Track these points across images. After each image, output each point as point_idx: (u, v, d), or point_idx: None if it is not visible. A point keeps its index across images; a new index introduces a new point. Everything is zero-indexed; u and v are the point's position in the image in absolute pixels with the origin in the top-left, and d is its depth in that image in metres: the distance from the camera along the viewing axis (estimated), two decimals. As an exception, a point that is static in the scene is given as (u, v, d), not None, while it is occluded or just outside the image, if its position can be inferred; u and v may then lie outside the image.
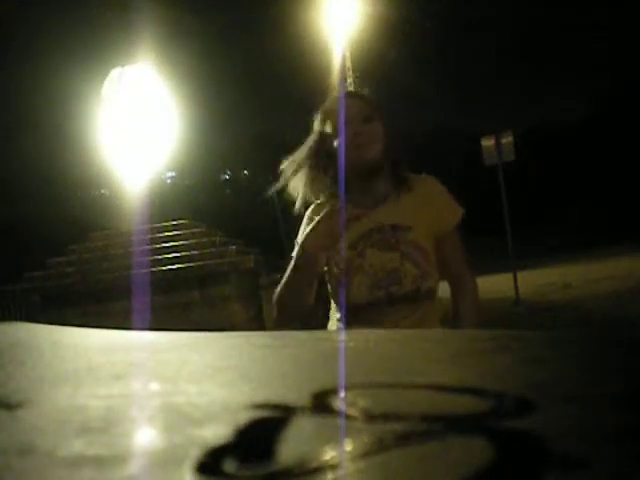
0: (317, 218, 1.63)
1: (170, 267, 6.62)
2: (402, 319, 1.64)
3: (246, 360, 0.76)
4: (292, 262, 1.69)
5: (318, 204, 1.79)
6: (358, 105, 1.72)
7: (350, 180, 1.70)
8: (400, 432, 0.38)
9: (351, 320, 1.67)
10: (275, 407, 0.46)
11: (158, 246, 6.94)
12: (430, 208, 1.72)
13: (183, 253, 6.85)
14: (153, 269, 6.45)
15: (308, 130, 1.84)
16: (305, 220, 1.77)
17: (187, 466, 0.35)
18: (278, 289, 1.72)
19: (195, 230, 7.54)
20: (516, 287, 9.70)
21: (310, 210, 1.79)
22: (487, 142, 10.18)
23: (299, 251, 1.67)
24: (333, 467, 0.34)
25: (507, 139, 10.06)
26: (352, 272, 1.68)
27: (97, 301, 6.61)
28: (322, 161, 1.74)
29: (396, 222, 1.69)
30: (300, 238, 1.70)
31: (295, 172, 1.78)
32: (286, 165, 1.79)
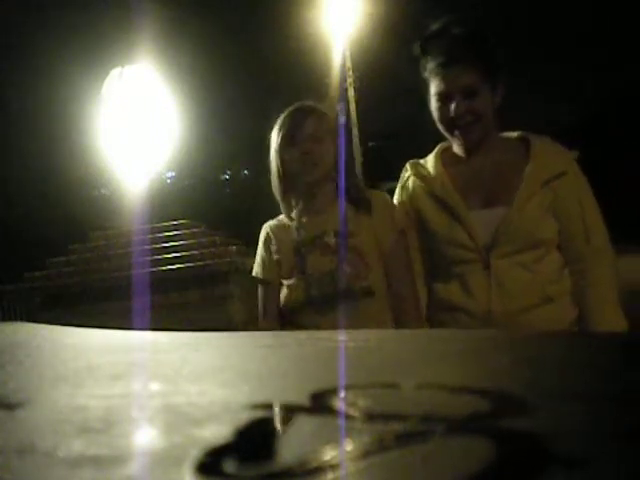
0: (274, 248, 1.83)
1: (170, 267, 6.62)
2: (341, 318, 1.70)
3: (246, 360, 0.76)
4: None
5: (271, 227, 1.88)
6: (312, 125, 1.78)
7: (299, 189, 1.81)
8: (400, 432, 0.38)
9: (290, 322, 1.77)
10: (275, 407, 0.46)
11: (158, 246, 6.93)
12: (372, 219, 1.79)
13: (183, 253, 6.85)
14: (153, 269, 6.45)
15: None
16: (264, 245, 1.86)
17: (187, 466, 0.35)
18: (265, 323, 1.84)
19: (195, 230, 7.53)
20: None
21: (266, 233, 1.87)
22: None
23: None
24: (333, 467, 0.34)
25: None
26: (294, 276, 1.78)
27: (97, 301, 6.60)
28: (285, 181, 1.83)
29: (338, 228, 1.77)
30: (262, 268, 1.86)
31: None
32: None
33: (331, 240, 1.76)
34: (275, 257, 1.82)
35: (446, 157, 1.80)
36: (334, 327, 1.67)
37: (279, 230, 1.84)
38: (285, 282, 1.79)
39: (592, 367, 0.58)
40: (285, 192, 1.83)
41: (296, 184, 1.81)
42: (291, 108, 1.84)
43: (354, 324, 1.69)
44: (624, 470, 0.32)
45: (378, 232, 1.77)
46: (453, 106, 1.65)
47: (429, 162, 1.81)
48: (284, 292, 1.79)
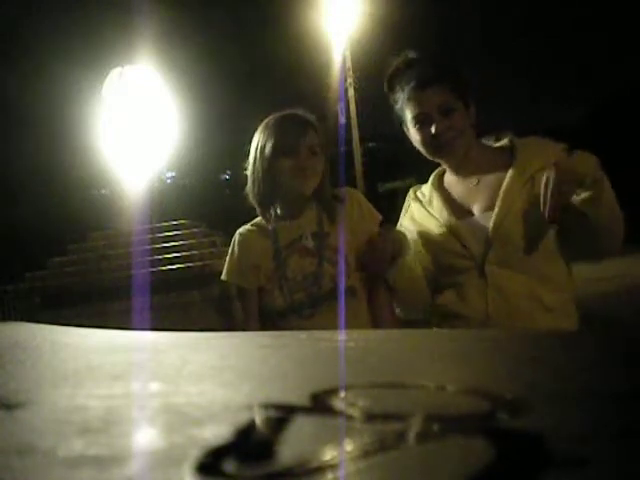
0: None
1: (170, 267, 6.61)
2: (327, 320, 1.69)
3: (246, 360, 0.76)
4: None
5: (247, 232, 1.87)
6: (311, 137, 1.77)
7: (285, 197, 1.80)
8: (400, 432, 0.38)
9: (272, 327, 1.75)
10: (275, 407, 0.46)
11: (158, 246, 6.93)
12: (346, 215, 1.79)
13: (183, 253, 6.84)
14: (153, 269, 6.44)
15: None
16: (241, 250, 1.84)
17: (187, 466, 0.35)
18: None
19: (195, 230, 7.53)
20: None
21: (243, 239, 1.86)
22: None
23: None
24: (333, 467, 0.34)
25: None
26: (274, 282, 1.77)
27: (97, 301, 6.60)
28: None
29: (316, 230, 1.78)
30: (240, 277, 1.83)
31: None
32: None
33: (309, 243, 1.77)
34: (254, 262, 1.80)
35: (441, 181, 1.87)
36: (320, 329, 1.66)
37: (256, 235, 1.84)
38: (266, 287, 1.78)
39: (592, 367, 0.58)
40: (267, 198, 1.81)
41: (283, 193, 1.79)
42: (282, 115, 1.82)
43: (339, 324, 1.67)
44: (624, 470, 0.32)
45: (352, 227, 1.78)
46: (434, 125, 1.69)
47: (427, 187, 1.88)
48: (265, 298, 1.78)
